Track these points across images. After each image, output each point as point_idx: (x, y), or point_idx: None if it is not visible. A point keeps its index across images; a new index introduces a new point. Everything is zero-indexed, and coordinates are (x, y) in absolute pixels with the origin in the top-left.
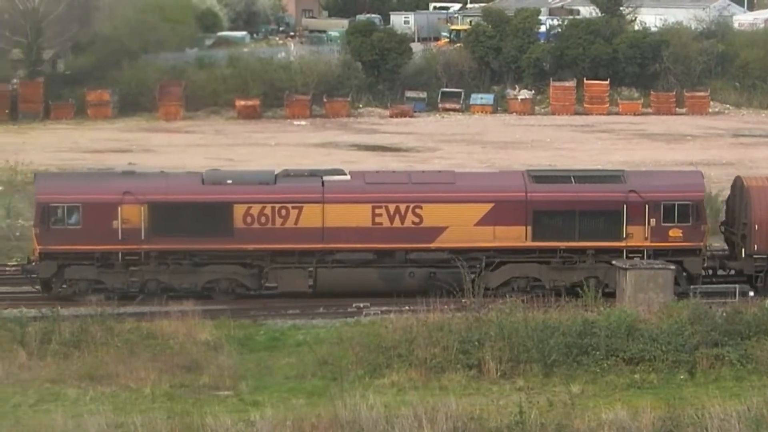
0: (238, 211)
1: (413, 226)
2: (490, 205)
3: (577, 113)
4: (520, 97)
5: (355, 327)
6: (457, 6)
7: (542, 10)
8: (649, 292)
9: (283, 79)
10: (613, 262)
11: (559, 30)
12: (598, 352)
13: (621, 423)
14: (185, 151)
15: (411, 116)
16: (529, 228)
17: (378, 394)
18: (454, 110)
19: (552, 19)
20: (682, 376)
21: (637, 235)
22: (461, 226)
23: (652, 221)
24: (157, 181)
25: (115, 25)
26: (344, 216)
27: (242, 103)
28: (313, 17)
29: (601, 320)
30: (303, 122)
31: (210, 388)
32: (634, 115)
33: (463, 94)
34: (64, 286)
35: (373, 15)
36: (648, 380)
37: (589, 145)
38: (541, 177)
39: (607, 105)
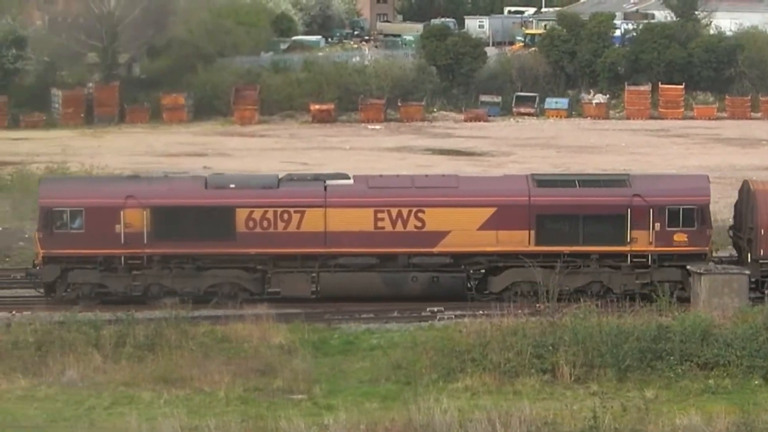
0: (241, 215)
1: (416, 230)
2: (492, 210)
3: (651, 117)
4: (594, 102)
5: (429, 331)
6: (531, 10)
7: (617, 14)
8: (723, 297)
9: (358, 83)
10: (688, 267)
11: (634, 34)
12: (672, 357)
13: (695, 428)
14: (260, 155)
15: (485, 120)
16: (533, 232)
17: (452, 399)
18: (529, 114)
19: (627, 23)
20: (756, 382)
21: (641, 240)
22: (464, 231)
23: (657, 225)
24: (160, 185)
25: (190, 29)
26: (346, 220)
27: (317, 107)
28: (387, 21)
29: (676, 325)
30: (377, 126)
31: (284, 391)
32: (709, 119)
33: (537, 98)
34: (68, 290)
35: (448, 19)
36: (722, 386)
37: (664, 150)
38: (544, 181)
39: (682, 109)
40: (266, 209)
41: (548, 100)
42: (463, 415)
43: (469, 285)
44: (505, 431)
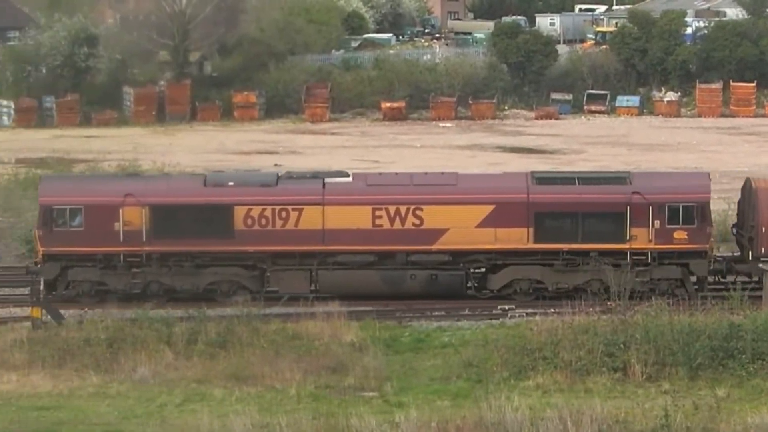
0: (239, 212)
1: (414, 227)
2: (491, 207)
3: (723, 115)
4: (665, 99)
5: (500, 329)
6: (602, 8)
7: (688, 12)
8: None
9: (429, 81)
10: (760, 265)
11: (706, 32)
12: (744, 356)
13: (767, 427)
14: (331, 152)
15: (556, 118)
16: (531, 230)
17: (523, 396)
18: (600, 112)
19: (698, 21)
20: None
21: (641, 237)
22: (462, 228)
23: (656, 223)
24: (159, 183)
25: (261, 27)
26: (344, 218)
27: (388, 104)
28: (458, 19)
29: (748, 324)
30: (448, 124)
31: (355, 389)
32: None
33: (608, 96)
34: (68, 287)
35: (519, 17)
36: None
37: (735, 148)
38: (544, 179)
39: (754, 107)
40: (264, 207)
41: (619, 97)
42: (534, 414)
43: (469, 283)
44: (577, 430)
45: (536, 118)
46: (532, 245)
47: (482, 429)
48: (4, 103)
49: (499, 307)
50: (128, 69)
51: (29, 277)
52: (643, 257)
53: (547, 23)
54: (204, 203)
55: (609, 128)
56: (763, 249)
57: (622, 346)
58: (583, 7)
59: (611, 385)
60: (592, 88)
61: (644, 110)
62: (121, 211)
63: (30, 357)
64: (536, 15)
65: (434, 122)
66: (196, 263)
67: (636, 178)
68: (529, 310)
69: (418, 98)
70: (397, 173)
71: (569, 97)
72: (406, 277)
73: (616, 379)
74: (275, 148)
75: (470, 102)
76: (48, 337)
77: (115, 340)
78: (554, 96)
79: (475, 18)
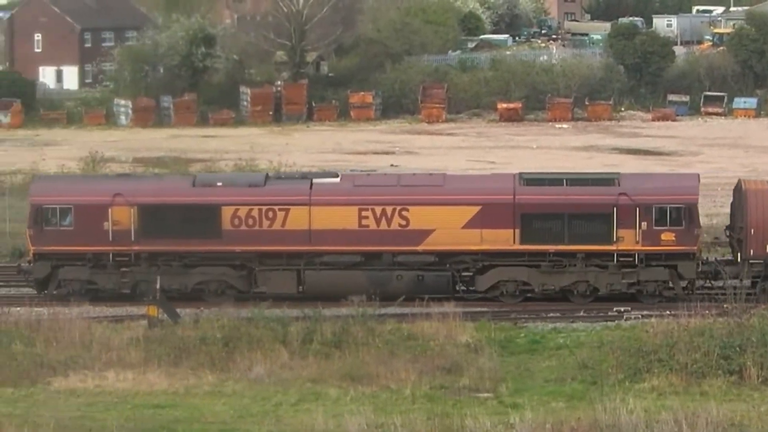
0: (226, 213)
1: (400, 228)
2: (477, 208)
3: None
4: None
5: (616, 331)
6: (720, 9)
7: None
8: None
9: (545, 82)
10: None
11: None
12: None
13: None
14: (448, 153)
15: (673, 120)
16: (517, 231)
17: (638, 399)
18: (717, 114)
19: None
20: None
21: (628, 239)
22: (448, 229)
23: (644, 224)
24: (148, 183)
25: (378, 28)
26: (331, 218)
27: (504, 105)
28: (575, 20)
29: None
30: (565, 125)
31: (470, 389)
32: None
33: (725, 97)
34: (59, 287)
35: (636, 18)
36: None
37: None
38: (531, 180)
39: None
40: (252, 207)
41: (737, 99)
42: (650, 416)
43: (457, 284)
44: None
45: (653, 120)
46: (518, 246)
47: (597, 431)
48: (122, 102)
49: (614, 309)
50: (245, 69)
51: (21, 276)
52: (631, 259)
53: (664, 24)
54: (191, 203)
55: (726, 130)
56: (751, 251)
57: (738, 349)
58: (701, 8)
59: (727, 388)
60: (709, 90)
61: (762, 112)
62: (110, 210)
63: (146, 355)
64: (653, 16)
65: (550, 123)
66: (185, 263)
67: (624, 180)
68: (645, 312)
69: (534, 99)
70: (385, 174)
71: (686, 98)
72: (392, 278)
73: (732, 382)
74: (391, 148)
75: (587, 103)
76: (164, 335)
77: (230, 339)
78: (671, 98)
79: (591, 19)
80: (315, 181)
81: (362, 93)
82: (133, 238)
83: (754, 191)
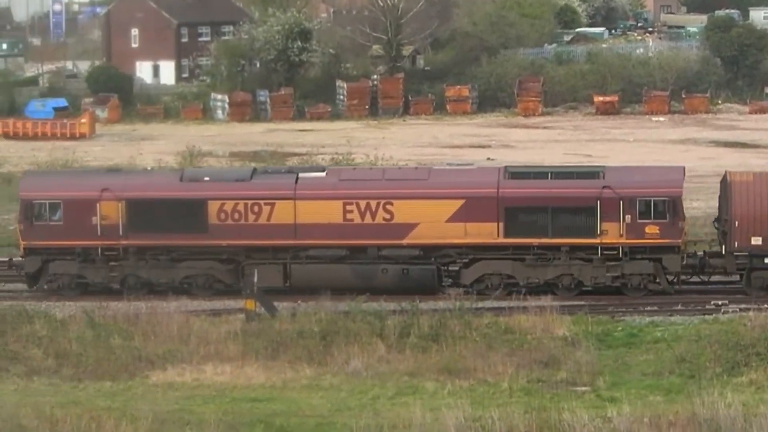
0: (212, 207)
1: (384, 222)
2: (461, 202)
3: None
4: None
5: (714, 324)
6: None
7: None
8: None
9: (642, 75)
10: None
11: None
12: None
13: None
14: (544, 146)
15: None
16: (501, 224)
17: (736, 393)
18: None
19: None
20: None
21: (612, 232)
22: (432, 223)
23: (627, 218)
24: (136, 178)
25: (474, 21)
26: (316, 212)
27: (600, 98)
28: (671, 13)
29: None
30: (661, 118)
31: (567, 383)
32: None
33: None
34: (50, 280)
35: (732, 10)
36: None
37: None
38: (516, 173)
39: None
40: (237, 201)
41: None
42: (748, 410)
43: (442, 278)
44: None
45: (750, 113)
46: (502, 240)
47: (695, 425)
48: (219, 97)
49: (712, 302)
50: (341, 63)
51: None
52: (615, 252)
53: (761, 17)
54: (178, 197)
55: None
56: (736, 243)
57: None
58: None
59: None
60: None
61: None
62: (98, 205)
63: (244, 349)
64: (750, 8)
65: (647, 116)
66: (172, 257)
67: (609, 173)
68: (743, 306)
69: (630, 92)
70: (371, 168)
71: None
72: (377, 272)
73: None
74: (488, 141)
75: (683, 96)
76: (262, 329)
77: (328, 333)
78: None
79: (688, 11)
80: (301, 175)
81: (458, 86)
82: (121, 233)
83: (739, 183)
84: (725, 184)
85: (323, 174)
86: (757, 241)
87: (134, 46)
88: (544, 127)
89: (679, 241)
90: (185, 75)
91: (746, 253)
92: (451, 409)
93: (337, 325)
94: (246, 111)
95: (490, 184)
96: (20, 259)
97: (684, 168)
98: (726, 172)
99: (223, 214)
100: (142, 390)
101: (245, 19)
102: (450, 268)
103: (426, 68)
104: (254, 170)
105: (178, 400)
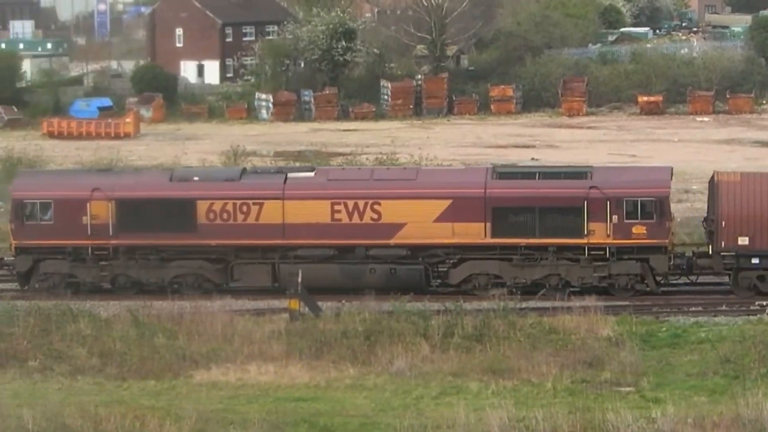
0: (201, 207)
1: (372, 222)
2: (448, 202)
3: None
4: None
5: (758, 325)
6: None
7: None
8: None
9: (686, 75)
10: None
11: None
12: None
13: None
14: (588, 146)
15: None
16: (488, 224)
17: None
18: None
19: None
20: None
21: (599, 232)
22: (420, 223)
23: (614, 218)
24: (126, 178)
25: (518, 21)
26: (304, 212)
27: (645, 98)
28: (715, 13)
29: None
30: (706, 118)
31: (611, 383)
32: None
33: None
34: (41, 280)
35: None
36: None
37: None
38: (504, 173)
39: None
40: (226, 201)
41: None
42: None
43: (430, 278)
44: None
45: None
46: (489, 240)
47: (739, 426)
48: (263, 96)
49: (756, 303)
50: (385, 63)
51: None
52: (602, 252)
53: None
54: (167, 197)
55: None
56: (723, 243)
57: None
58: None
59: None
60: None
61: None
62: (88, 205)
63: (288, 348)
64: None
65: (691, 116)
66: (162, 256)
67: (596, 173)
68: None
69: (675, 92)
70: (360, 168)
71: None
72: (365, 271)
73: None
74: (532, 142)
75: (728, 96)
76: (306, 328)
77: (372, 333)
78: None
79: (732, 11)
80: (290, 175)
81: (502, 86)
82: (111, 232)
83: (726, 183)
84: (713, 184)
85: (312, 174)
86: (744, 241)
87: (179, 45)
88: (589, 127)
89: (666, 241)
90: (230, 75)
91: (733, 253)
92: (495, 410)
93: (381, 325)
94: (290, 110)
95: (478, 185)
96: (11, 258)
97: (671, 168)
98: (714, 172)
99: (212, 214)
100: (186, 389)
101: (289, 18)
102: (439, 269)
103: (470, 68)
104: (243, 170)
105: (222, 400)
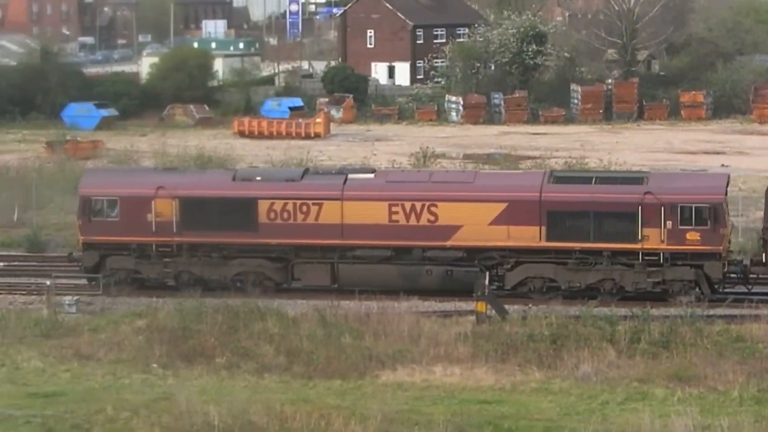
0: (263, 206)
1: (428, 224)
2: (504, 205)
3: None
4: None
5: None
6: None
7: None
8: None
9: None
10: None
11: None
12: None
13: None
14: None
15: None
16: (543, 228)
17: None
18: None
19: None
20: None
21: (653, 238)
22: (475, 225)
23: (669, 224)
24: (190, 177)
25: (709, 27)
26: (362, 213)
27: None
28: None
29: None
30: None
31: None
32: None
33: None
34: (108, 275)
35: None
36: None
37: None
38: (561, 178)
39: None
40: (287, 201)
41: None
42: None
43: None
44: None
45: None
46: (544, 243)
47: None
48: (453, 99)
49: None
50: (576, 67)
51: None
52: (656, 258)
53: None
54: (230, 196)
55: None
56: None
57: None
58: None
59: None
60: None
61: None
62: (153, 203)
63: (474, 351)
64: None
65: None
66: (223, 254)
67: (652, 179)
68: None
69: None
70: (419, 171)
71: None
72: (422, 272)
73: None
74: (722, 148)
75: None
76: (492, 331)
77: (558, 337)
78: None
79: None
80: (350, 176)
81: (693, 92)
82: (174, 230)
83: None
84: None
85: (372, 176)
86: None
87: (370, 46)
88: None
89: (720, 248)
90: (420, 76)
91: None
92: (680, 417)
93: (568, 329)
94: (480, 113)
95: (533, 189)
96: (80, 253)
97: (728, 175)
98: None
99: (272, 213)
100: (372, 389)
101: (480, 21)
102: (498, 272)
103: (661, 73)
104: (306, 170)
105: (408, 401)
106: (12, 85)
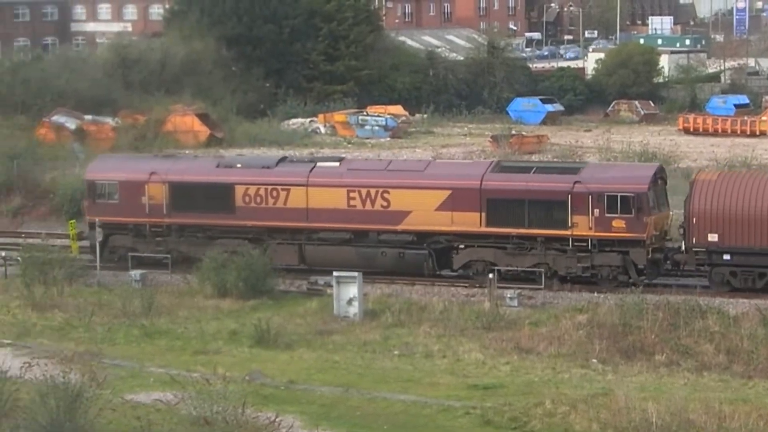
0: (239, 191)
1: (382, 209)
2: (448, 192)
3: None
4: None
5: None
6: None
7: None
8: None
9: None
10: None
11: None
12: None
13: None
14: None
15: None
16: (484, 214)
17: None
18: None
19: None
20: None
21: (582, 225)
22: (423, 211)
23: (596, 211)
24: (179, 163)
25: None
26: (324, 198)
27: None
28: None
29: None
30: None
31: None
32: None
33: None
34: (111, 252)
35: None
36: None
37: None
38: (504, 167)
39: None
40: (259, 186)
41: None
42: None
43: (437, 263)
44: None
45: None
46: (484, 229)
47: None
48: None
49: None
50: None
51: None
52: (585, 244)
53: None
54: (212, 182)
55: None
56: (694, 239)
57: None
58: None
59: None
60: None
61: None
62: (146, 187)
63: None
64: None
65: None
66: (207, 235)
67: (585, 170)
68: None
69: None
70: (380, 160)
71: None
72: (378, 254)
73: None
74: None
75: None
76: None
77: None
78: None
79: None
80: (318, 164)
81: None
82: (165, 212)
83: (702, 181)
84: (690, 183)
85: (337, 164)
86: (713, 237)
87: None
88: None
89: (644, 235)
90: None
91: (704, 249)
92: None
93: None
94: None
95: (475, 177)
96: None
97: (659, 165)
98: (699, 171)
99: (247, 198)
100: None
101: None
102: (448, 255)
103: None
104: (282, 159)
105: None
106: (459, 79)
